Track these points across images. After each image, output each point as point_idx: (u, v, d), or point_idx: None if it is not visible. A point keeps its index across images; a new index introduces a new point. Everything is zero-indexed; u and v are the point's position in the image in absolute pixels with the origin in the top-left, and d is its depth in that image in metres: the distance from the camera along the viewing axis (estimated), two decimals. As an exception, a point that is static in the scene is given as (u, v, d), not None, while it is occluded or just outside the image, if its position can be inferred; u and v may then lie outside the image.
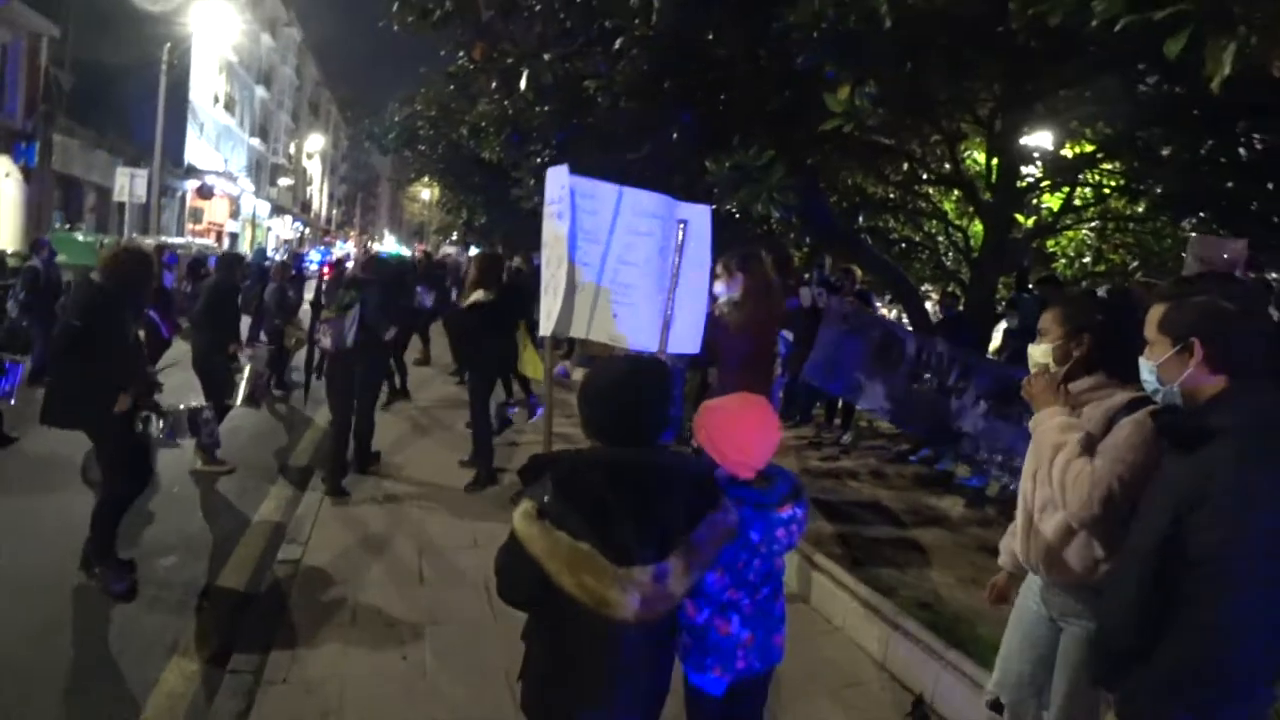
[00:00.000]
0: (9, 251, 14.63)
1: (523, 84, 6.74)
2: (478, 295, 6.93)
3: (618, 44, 6.35)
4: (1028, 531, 2.79)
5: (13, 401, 7.10)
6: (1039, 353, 2.81)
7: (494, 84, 7.85)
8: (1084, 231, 11.73)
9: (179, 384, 7.09)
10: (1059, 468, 2.53)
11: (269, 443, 8.46)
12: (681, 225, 3.83)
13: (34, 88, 22.72)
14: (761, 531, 2.48)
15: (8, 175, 22.06)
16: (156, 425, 4.96)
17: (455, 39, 8.71)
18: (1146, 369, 2.31)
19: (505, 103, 7.76)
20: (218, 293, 7.66)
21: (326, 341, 6.44)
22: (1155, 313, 2.30)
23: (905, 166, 10.99)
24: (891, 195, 11.57)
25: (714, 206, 9.44)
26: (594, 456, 2.22)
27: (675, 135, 8.32)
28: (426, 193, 49.40)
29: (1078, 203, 10.25)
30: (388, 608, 4.59)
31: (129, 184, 23.89)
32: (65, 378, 4.68)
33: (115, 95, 25.54)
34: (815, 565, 5.14)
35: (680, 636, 2.53)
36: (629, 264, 3.81)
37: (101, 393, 4.59)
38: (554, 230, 3.79)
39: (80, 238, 18.50)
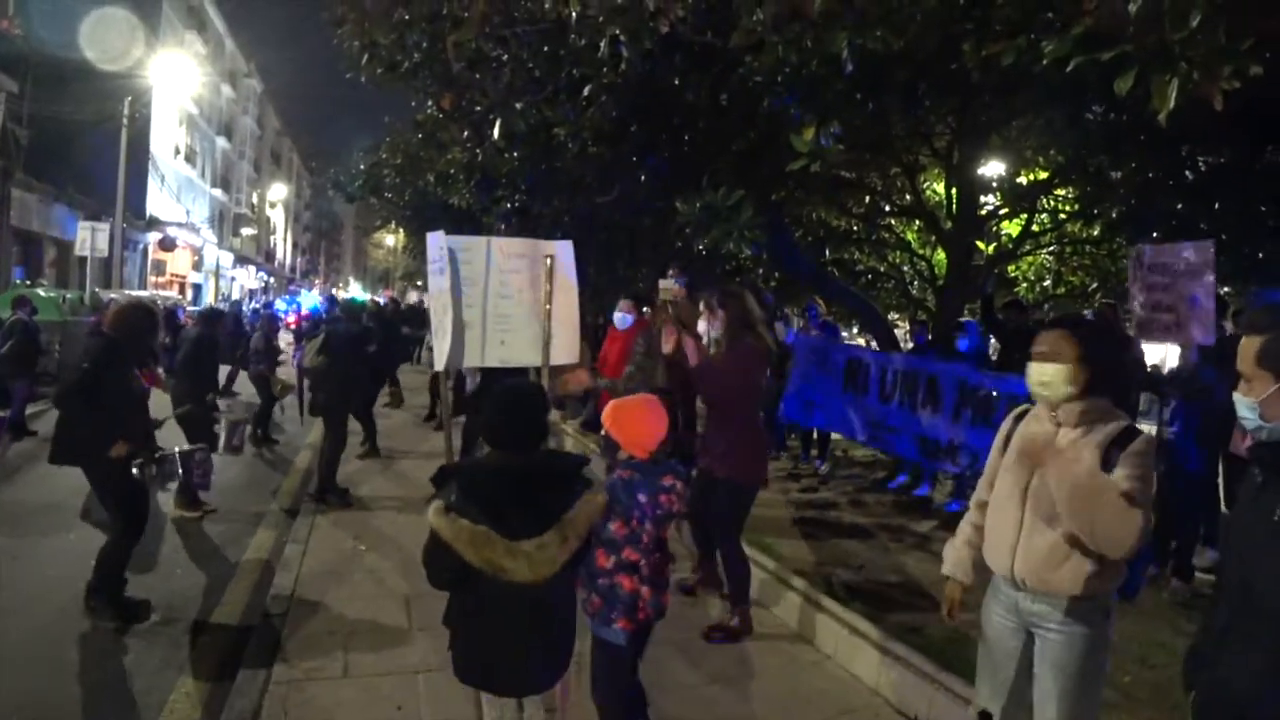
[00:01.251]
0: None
1: (495, 132, 6.86)
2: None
3: (586, 91, 6.49)
4: (1014, 545, 2.82)
5: None
6: (1047, 373, 2.75)
7: (465, 133, 7.97)
8: (1043, 255, 12.08)
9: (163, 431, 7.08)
10: (1083, 497, 2.57)
11: (254, 489, 8.49)
12: (548, 259, 4.66)
13: (-10, 143, 22.51)
14: (648, 494, 3.14)
15: (-35, 234, 21.78)
16: (151, 470, 5.14)
17: (424, 89, 8.83)
18: (1245, 406, 2.19)
19: (476, 150, 7.86)
20: (199, 345, 7.86)
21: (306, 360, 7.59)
22: (1251, 346, 2.18)
23: (867, 199, 11.29)
24: (855, 228, 11.84)
25: (681, 245, 9.65)
26: (487, 462, 2.88)
27: (643, 178, 8.49)
28: (391, 239, 49.36)
29: (1036, 228, 10.59)
30: (379, 657, 4.57)
31: (90, 238, 23.59)
32: (73, 421, 4.98)
33: (74, 149, 25.35)
34: (805, 596, 5.21)
35: (589, 599, 3.16)
36: (505, 297, 4.71)
37: (105, 437, 4.87)
38: (437, 284, 4.65)
39: (42, 293, 18.25)
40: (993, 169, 10.45)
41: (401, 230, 26.48)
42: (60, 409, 5.07)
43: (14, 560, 5.97)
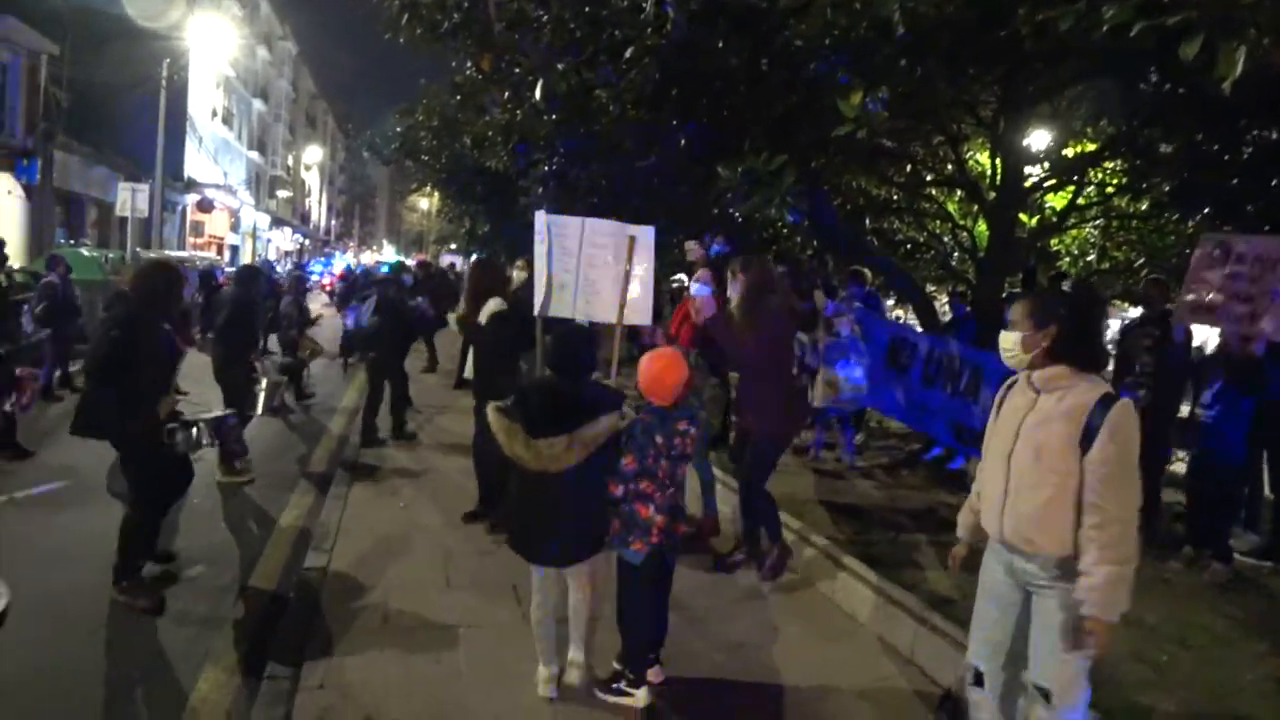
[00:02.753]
0: (16, 268, 14.66)
1: (537, 94, 6.81)
2: (494, 305, 6.29)
3: (628, 53, 6.41)
4: (1002, 508, 3.00)
5: (29, 413, 7.19)
6: (1008, 341, 3.05)
7: (505, 94, 7.92)
8: (1088, 230, 11.82)
9: (200, 396, 7.21)
10: (1048, 465, 2.86)
11: (289, 451, 8.57)
12: (631, 238, 5.48)
13: (33, 106, 22.83)
14: (664, 435, 3.63)
15: (10, 193, 22.15)
16: (182, 437, 4.99)
17: (463, 50, 8.78)
18: None
19: (516, 112, 7.82)
20: (237, 306, 7.71)
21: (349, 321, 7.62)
22: None
23: (909, 169, 11.09)
24: (895, 197, 11.66)
25: (719, 212, 9.54)
26: (539, 381, 4.09)
27: (683, 143, 8.40)
28: (425, 202, 49.47)
29: (1081, 201, 10.35)
30: (417, 611, 4.65)
31: (131, 199, 23.92)
32: (100, 390, 4.69)
33: (114, 111, 25.64)
34: (839, 564, 5.21)
35: (611, 524, 3.69)
36: (593, 266, 5.65)
37: (133, 405, 4.62)
38: (538, 252, 5.80)
39: (85, 253, 18.55)
40: (1039, 140, 10.21)
41: (436, 194, 26.49)
42: (90, 379, 4.81)
43: (44, 530, 6.01)
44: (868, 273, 10.22)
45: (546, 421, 3.55)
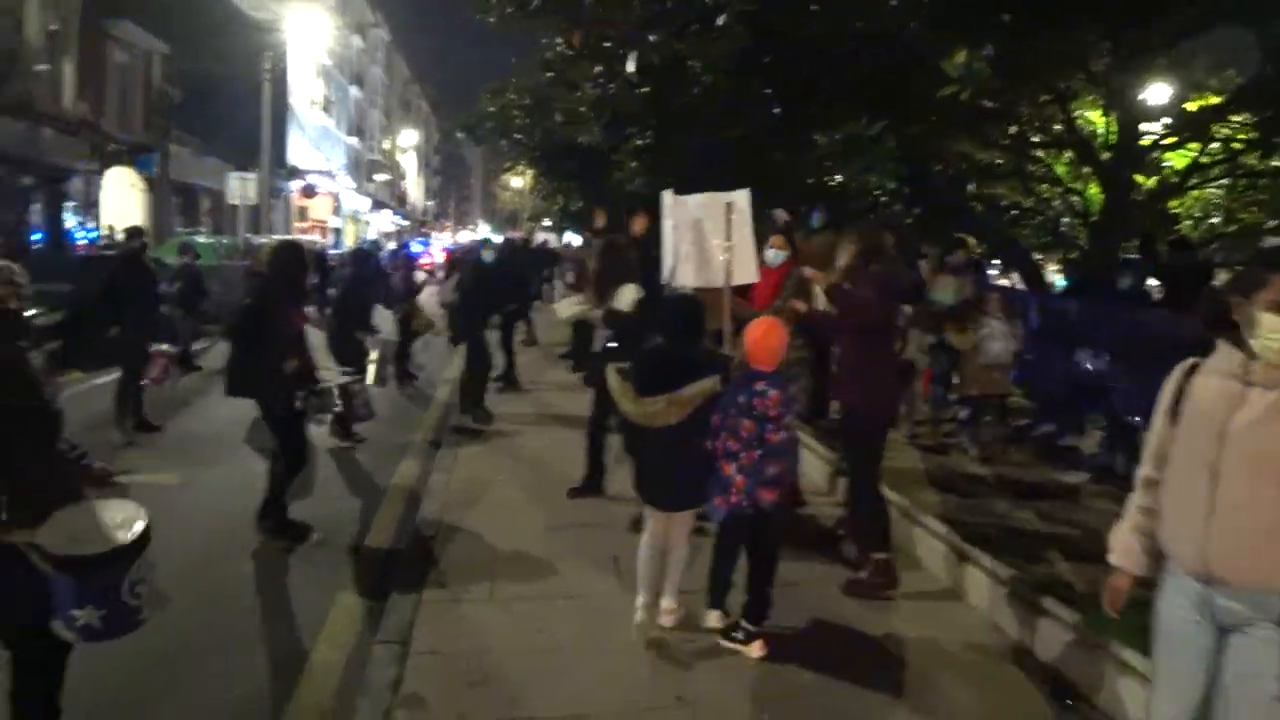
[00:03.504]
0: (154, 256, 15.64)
1: (630, 66, 6.78)
2: (633, 293, 5.81)
3: (720, 21, 6.31)
4: (1203, 532, 2.39)
5: (169, 383, 7.93)
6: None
7: (597, 68, 7.91)
8: (1210, 190, 11.10)
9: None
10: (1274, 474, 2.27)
11: (398, 420, 8.90)
12: (728, 204, 5.52)
13: (149, 103, 24.10)
14: (745, 396, 3.81)
15: (133, 186, 23.45)
16: (313, 402, 5.50)
17: (553, 27, 8.81)
18: None
19: (610, 86, 7.81)
20: (351, 284, 8.24)
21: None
22: None
23: (1013, 130, 10.60)
24: (999, 161, 11.17)
25: (812, 181, 9.32)
26: (651, 347, 4.28)
27: (776, 111, 8.25)
28: (518, 180, 50.05)
29: (1205, 160, 9.70)
30: (521, 580, 4.74)
31: (240, 187, 25.05)
32: (241, 356, 5.26)
33: (221, 104, 26.78)
34: (953, 547, 4.95)
35: (710, 476, 3.90)
36: (704, 236, 5.73)
37: (272, 369, 5.13)
38: (665, 229, 5.92)
39: (201, 239, 19.50)
40: (1157, 94, 9.60)
41: (529, 172, 26.78)
42: (230, 343, 5.41)
43: (184, 486, 6.39)
44: (971, 240, 9.85)
45: (654, 383, 3.93)
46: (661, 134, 9.95)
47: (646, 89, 8.11)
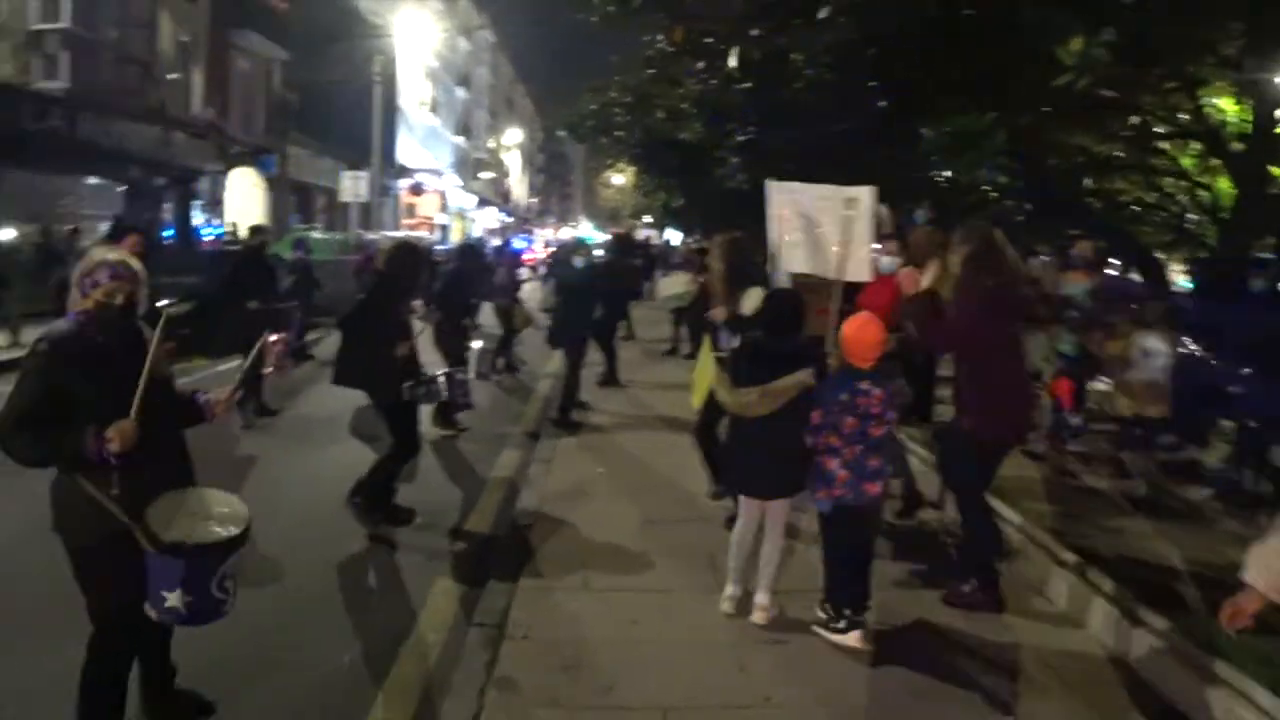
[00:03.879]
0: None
1: (731, 61, 6.74)
2: (756, 297, 5.00)
3: (823, 14, 6.20)
4: None
5: (289, 372, 8.43)
6: None
7: (699, 64, 7.90)
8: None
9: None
10: None
11: (499, 413, 9.12)
12: (850, 200, 5.50)
13: (270, 107, 25.40)
14: (848, 394, 3.86)
15: (254, 185, 24.73)
16: (420, 391, 5.72)
17: (654, 24, 8.84)
18: None
19: (713, 82, 7.79)
20: (453, 278, 8.48)
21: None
22: None
23: (1135, 121, 10.06)
24: (1119, 154, 10.64)
25: (920, 178, 9.06)
26: (751, 339, 4.33)
27: (881, 104, 8.06)
28: (620, 177, 50.44)
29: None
30: (616, 573, 4.78)
31: (353, 186, 26.13)
32: (353, 347, 5.48)
33: (335, 106, 28.06)
34: (1059, 560, 4.70)
35: (811, 471, 3.98)
36: (818, 227, 5.67)
37: (381, 361, 5.32)
38: (770, 218, 5.87)
39: (317, 235, 20.40)
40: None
41: (630, 168, 26.94)
42: (343, 334, 5.65)
43: (296, 468, 6.79)
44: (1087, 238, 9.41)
45: (750, 374, 4.03)
46: (763, 130, 9.85)
47: (748, 84, 8.04)
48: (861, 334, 3.95)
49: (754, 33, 6.57)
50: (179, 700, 3.30)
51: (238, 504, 2.94)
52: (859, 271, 5.65)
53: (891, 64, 7.49)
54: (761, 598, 4.21)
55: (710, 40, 7.71)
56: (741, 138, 9.92)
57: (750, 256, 5.80)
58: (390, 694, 3.71)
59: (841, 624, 3.99)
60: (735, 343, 4.97)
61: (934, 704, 3.58)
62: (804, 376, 3.94)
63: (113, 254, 3.01)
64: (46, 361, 2.76)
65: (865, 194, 5.55)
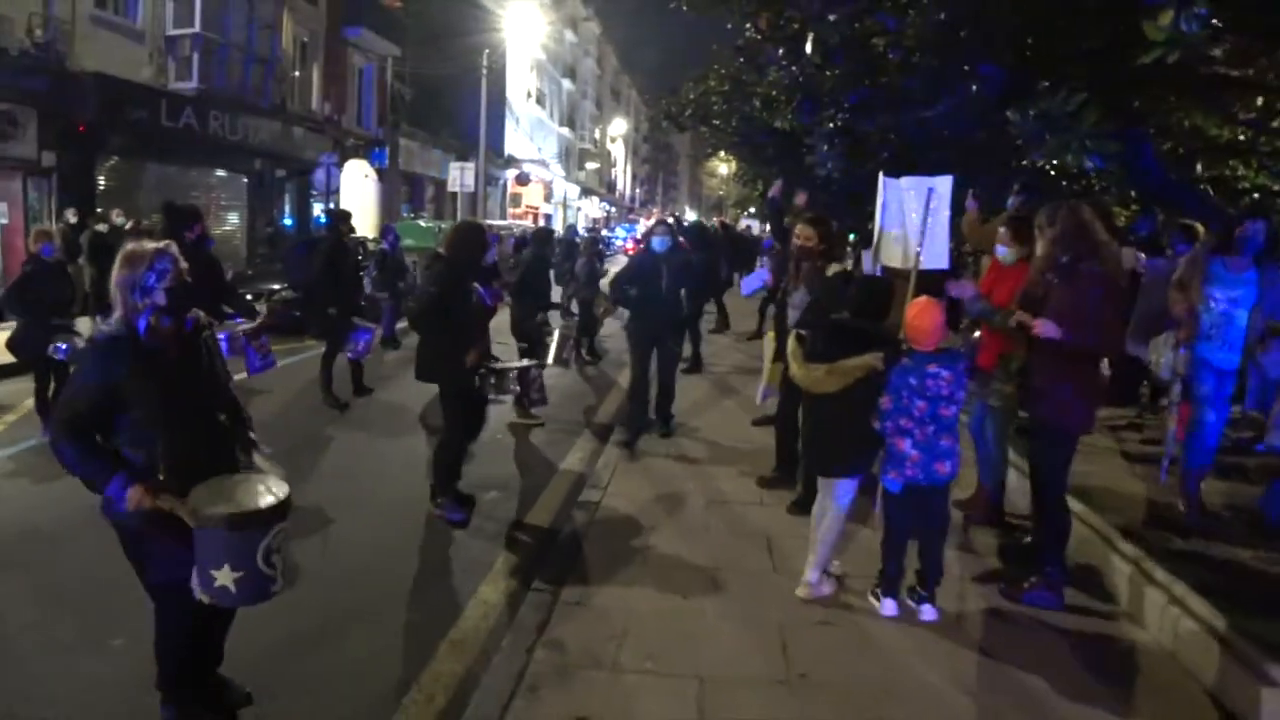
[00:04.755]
0: (369, 239, 17.16)
1: (808, 48, 6.69)
2: (836, 268, 5.82)
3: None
4: None
5: (367, 358, 8.70)
6: None
7: (781, 51, 7.86)
8: None
9: (501, 348, 8.02)
10: None
11: (577, 402, 9.26)
12: (930, 190, 5.63)
13: (383, 102, 26.47)
14: (917, 378, 3.97)
15: (367, 176, 25.83)
16: (491, 382, 5.82)
17: (742, 11, 8.82)
18: None
19: (794, 69, 7.73)
20: (531, 265, 8.60)
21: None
22: None
23: (1260, 102, 9.43)
24: (1241, 137, 9.99)
25: (1025, 162, 8.75)
26: (833, 320, 4.39)
27: (975, 88, 7.82)
28: (724, 167, 50.30)
29: None
30: (674, 552, 4.88)
31: (460, 176, 26.94)
32: (427, 341, 5.53)
33: (445, 100, 28.99)
34: (1146, 575, 4.38)
35: (882, 452, 4.11)
36: (907, 217, 5.84)
37: (453, 352, 5.36)
38: (878, 210, 6.09)
39: (421, 223, 21.18)
40: None
41: (732, 159, 26.82)
42: (415, 330, 5.73)
43: (373, 454, 7.09)
44: (1200, 227, 8.89)
45: (825, 351, 4.17)
46: (856, 116, 9.70)
47: (836, 70, 7.94)
48: (921, 318, 4.05)
49: (832, 18, 6.49)
50: (217, 686, 3.32)
51: (276, 481, 2.96)
52: (937, 260, 5.70)
53: (986, 45, 7.27)
54: (809, 574, 4.33)
55: (797, 26, 7.64)
56: (832, 125, 9.79)
57: (834, 237, 6.02)
58: (449, 648, 3.95)
59: (914, 598, 4.19)
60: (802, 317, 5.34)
61: (976, 698, 3.53)
62: (871, 359, 4.02)
63: (154, 245, 2.97)
64: (95, 365, 2.84)
65: (943, 183, 5.67)
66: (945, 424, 4.02)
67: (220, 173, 19.76)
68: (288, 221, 21.80)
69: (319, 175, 23.25)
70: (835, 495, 4.27)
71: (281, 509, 2.84)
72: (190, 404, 2.94)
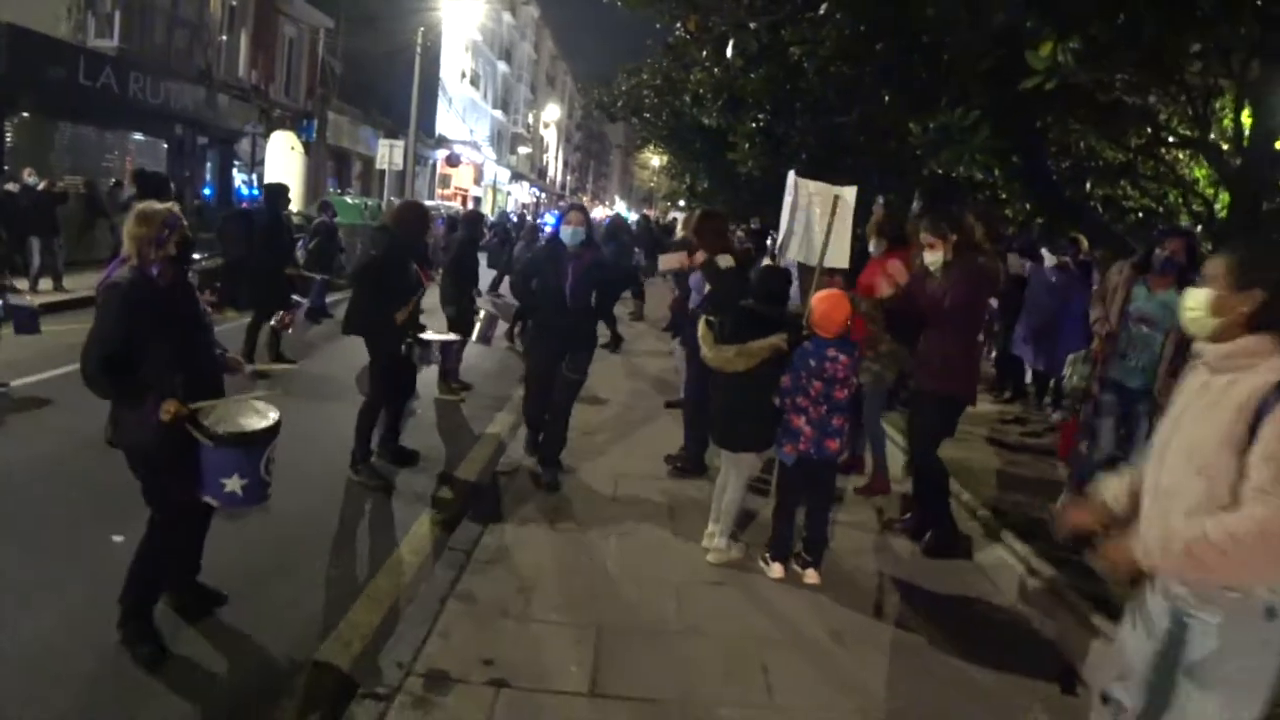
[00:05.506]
0: (295, 212, 16.98)
1: (729, 53, 7.07)
2: (727, 261, 5.73)
3: (822, 9, 6.52)
4: (1146, 513, 2.39)
5: (289, 333, 8.74)
6: (1194, 300, 2.35)
7: (704, 53, 8.23)
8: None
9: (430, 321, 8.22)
10: (1199, 466, 2.23)
11: (501, 379, 9.54)
12: (836, 196, 5.80)
13: (312, 74, 26.02)
14: (816, 360, 4.39)
15: (293, 149, 25.37)
16: (420, 351, 6.13)
17: (671, 13, 9.15)
18: None
19: (717, 71, 8.12)
20: (462, 246, 8.86)
21: None
22: None
23: (1149, 129, 10.19)
24: (1129, 160, 10.77)
25: (924, 171, 9.30)
26: (740, 306, 4.73)
27: (887, 98, 8.32)
28: (656, 160, 50.76)
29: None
30: (582, 515, 5.26)
31: (389, 154, 26.63)
32: (360, 298, 5.92)
33: (378, 76, 28.60)
34: (1003, 542, 5.10)
35: (778, 427, 4.49)
36: (811, 217, 6.03)
37: (385, 314, 5.68)
38: (785, 205, 6.24)
39: (349, 200, 20.97)
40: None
41: (663, 152, 27.23)
42: (352, 286, 6.11)
43: (310, 416, 7.21)
44: (1083, 240, 9.61)
45: (733, 334, 4.60)
46: (776, 117, 10.15)
47: (758, 73, 8.35)
48: (828, 310, 4.48)
49: (752, 26, 6.88)
50: (200, 590, 3.88)
51: (266, 405, 3.62)
52: (839, 259, 6.04)
53: (898, 59, 7.76)
54: (719, 540, 4.74)
55: (724, 29, 8.00)
56: (754, 125, 10.24)
57: (724, 230, 6.33)
58: (366, 600, 4.21)
59: (799, 564, 4.58)
60: (704, 301, 5.82)
61: (849, 647, 3.95)
62: (777, 340, 4.46)
63: (164, 206, 3.48)
64: (123, 306, 3.26)
65: (848, 192, 6.04)
66: (837, 405, 4.45)
67: (139, 136, 19.23)
68: (206, 191, 21.32)
69: (243, 145, 22.77)
70: (738, 468, 4.68)
71: (277, 427, 3.50)
72: (194, 336, 3.53)
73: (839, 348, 4.43)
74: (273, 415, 3.53)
